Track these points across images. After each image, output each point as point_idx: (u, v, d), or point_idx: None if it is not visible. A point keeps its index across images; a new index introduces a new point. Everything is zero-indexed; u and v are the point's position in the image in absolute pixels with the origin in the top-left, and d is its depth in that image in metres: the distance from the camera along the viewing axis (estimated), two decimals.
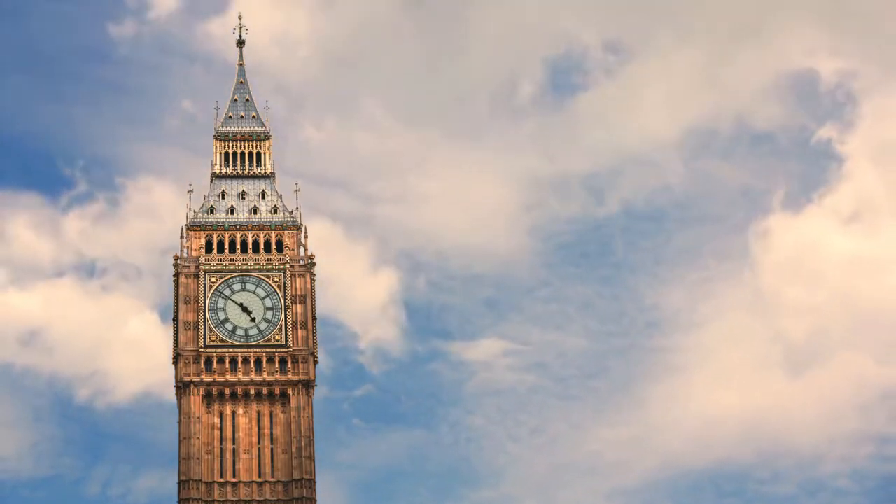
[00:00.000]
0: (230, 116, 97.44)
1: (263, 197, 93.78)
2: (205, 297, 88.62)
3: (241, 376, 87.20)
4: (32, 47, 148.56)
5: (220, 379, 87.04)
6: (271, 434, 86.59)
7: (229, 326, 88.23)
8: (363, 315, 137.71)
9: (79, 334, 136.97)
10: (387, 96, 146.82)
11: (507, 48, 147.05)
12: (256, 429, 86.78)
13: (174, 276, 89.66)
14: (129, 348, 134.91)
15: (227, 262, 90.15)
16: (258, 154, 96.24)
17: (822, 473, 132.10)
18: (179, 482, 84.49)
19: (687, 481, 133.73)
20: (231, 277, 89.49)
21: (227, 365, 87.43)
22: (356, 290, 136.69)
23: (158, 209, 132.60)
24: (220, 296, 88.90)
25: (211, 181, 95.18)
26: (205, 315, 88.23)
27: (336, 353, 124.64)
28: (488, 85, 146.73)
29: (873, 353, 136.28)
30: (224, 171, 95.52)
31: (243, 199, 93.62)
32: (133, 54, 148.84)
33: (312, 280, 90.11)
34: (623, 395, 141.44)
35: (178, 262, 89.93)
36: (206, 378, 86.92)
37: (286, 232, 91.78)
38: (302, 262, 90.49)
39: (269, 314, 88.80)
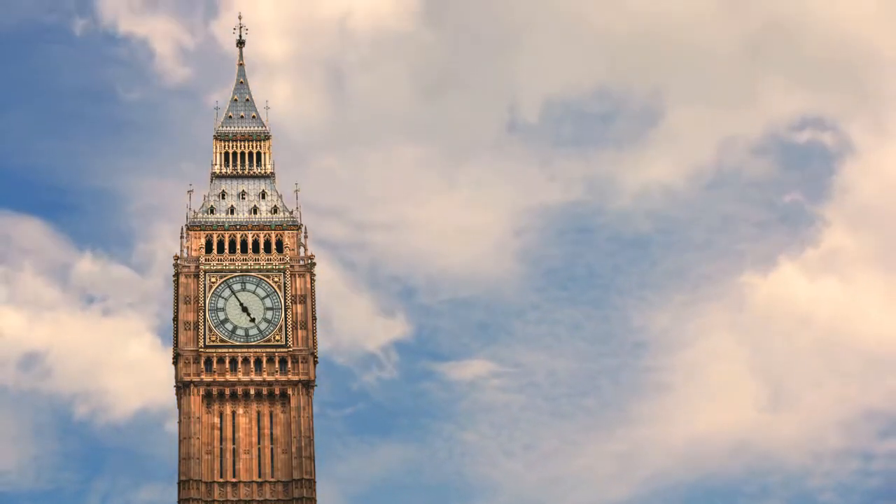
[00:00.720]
0: (230, 116, 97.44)
1: (263, 197, 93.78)
2: (205, 297, 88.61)
3: (241, 376, 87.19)
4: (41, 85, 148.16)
5: (220, 379, 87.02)
6: (271, 434, 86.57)
7: (229, 326, 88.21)
8: (355, 337, 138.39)
9: (78, 356, 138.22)
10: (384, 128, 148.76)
11: (504, 84, 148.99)
12: (256, 429, 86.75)
13: (174, 276, 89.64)
14: (128, 368, 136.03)
15: (227, 262, 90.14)
16: (258, 154, 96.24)
17: (809, 487, 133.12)
18: (179, 482, 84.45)
19: (677, 495, 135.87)
20: (231, 277, 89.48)
21: (227, 365, 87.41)
22: (349, 315, 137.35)
23: (159, 237, 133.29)
24: (219, 296, 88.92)
25: (211, 181, 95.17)
26: (205, 315, 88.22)
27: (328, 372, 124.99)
28: (483, 114, 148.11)
29: (857, 372, 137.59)
30: (224, 171, 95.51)
31: (243, 199, 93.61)
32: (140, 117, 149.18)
33: (312, 280, 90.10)
34: (613, 412, 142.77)
35: (178, 262, 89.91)
36: (206, 378, 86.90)
37: (286, 232, 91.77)
38: (302, 262, 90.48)
39: (269, 314, 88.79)
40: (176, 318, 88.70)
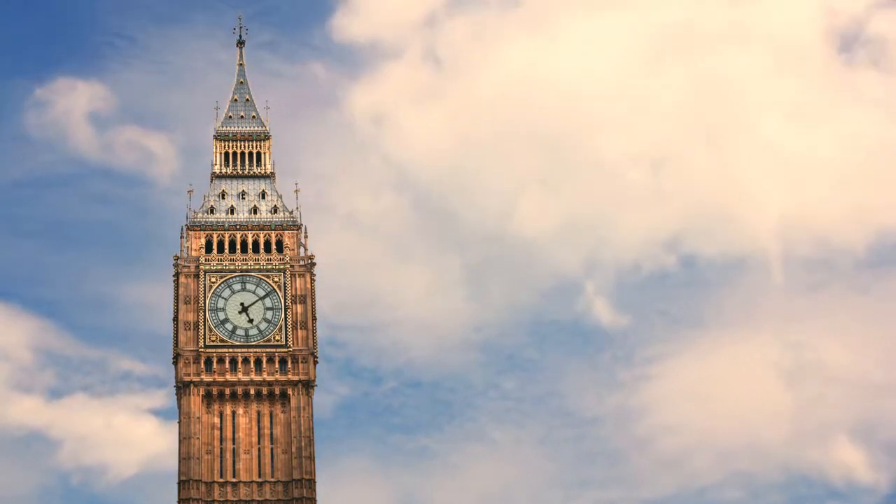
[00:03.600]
0: (230, 116, 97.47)
1: (263, 197, 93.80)
2: (205, 297, 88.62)
3: (241, 376, 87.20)
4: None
5: (220, 379, 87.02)
6: (271, 434, 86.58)
7: (229, 326, 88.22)
8: None
9: (82, 434, 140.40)
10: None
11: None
12: (256, 429, 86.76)
13: (174, 275, 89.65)
14: (129, 445, 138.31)
15: (227, 262, 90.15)
16: (258, 154, 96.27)
17: None
18: (179, 482, 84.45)
19: None
20: (231, 277, 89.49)
21: (227, 365, 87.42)
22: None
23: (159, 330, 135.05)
24: (219, 296, 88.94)
25: (211, 181, 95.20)
26: (205, 315, 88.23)
27: None
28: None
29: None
30: (224, 171, 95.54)
31: (243, 198, 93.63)
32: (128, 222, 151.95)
33: (312, 280, 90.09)
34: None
35: (178, 261, 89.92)
36: (206, 378, 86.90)
37: (286, 232, 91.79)
38: (302, 262, 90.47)
39: (269, 314, 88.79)
40: (176, 318, 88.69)
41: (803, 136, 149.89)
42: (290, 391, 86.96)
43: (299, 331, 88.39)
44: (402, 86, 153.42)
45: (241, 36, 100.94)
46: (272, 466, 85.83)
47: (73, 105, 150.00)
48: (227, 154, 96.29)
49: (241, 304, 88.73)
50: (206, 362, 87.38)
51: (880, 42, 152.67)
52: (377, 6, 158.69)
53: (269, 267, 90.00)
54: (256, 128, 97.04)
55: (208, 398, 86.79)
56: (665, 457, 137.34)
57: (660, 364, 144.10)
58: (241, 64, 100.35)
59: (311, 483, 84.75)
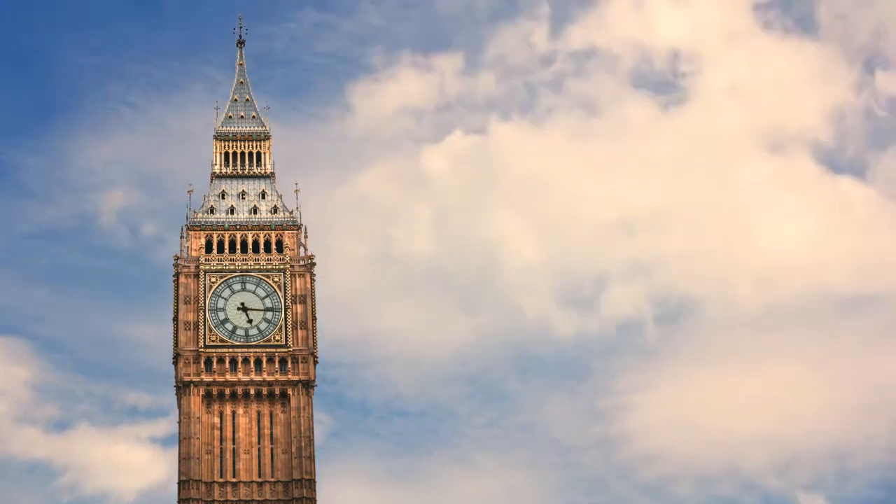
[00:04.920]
0: (230, 116, 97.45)
1: (263, 197, 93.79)
2: (205, 297, 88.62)
3: (241, 376, 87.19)
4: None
5: (220, 379, 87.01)
6: (271, 434, 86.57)
7: (229, 326, 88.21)
8: None
9: (83, 463, 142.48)
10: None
11: None
12: (256, 429, 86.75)
13: (174, 275, 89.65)
14: (128, 472, 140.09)
15: (227, 262, 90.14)
16: (258, 154, 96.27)
17: None
18: (179, 482, 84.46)
19: None
20: (231, 277, 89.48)
21: (227, 365, 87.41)
22: None
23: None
24: (219, 296, 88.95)
25: (211, 181, 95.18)
26: (205, 315, 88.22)
27: None
28: None
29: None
30: (224, 171, 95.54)
31: (243, 199, 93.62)
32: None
33: (312, 280, 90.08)
34: None
35: (178, 261, 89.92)
36: (206, 378, 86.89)
37: (286, 232, 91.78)
38: (302, 262, 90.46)
39: (268, 314, 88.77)
40: (176, 318, 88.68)
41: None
42: (290, 391, 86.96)
43: (299, 331, 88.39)
44: None
45: (241, 36, 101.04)
46: (272, 466, 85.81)
47: (77, 164, 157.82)
48: (227, 154, 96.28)
49: (241, 303, 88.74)
50: (206, 362, 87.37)
51: None
52: None
53: (269, 267, 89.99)
54: (256, 128, 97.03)
55: (208, 398, 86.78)
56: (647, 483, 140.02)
57: (640, 394, 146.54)
58: (241, 64, 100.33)
59: (311, 483, 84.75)
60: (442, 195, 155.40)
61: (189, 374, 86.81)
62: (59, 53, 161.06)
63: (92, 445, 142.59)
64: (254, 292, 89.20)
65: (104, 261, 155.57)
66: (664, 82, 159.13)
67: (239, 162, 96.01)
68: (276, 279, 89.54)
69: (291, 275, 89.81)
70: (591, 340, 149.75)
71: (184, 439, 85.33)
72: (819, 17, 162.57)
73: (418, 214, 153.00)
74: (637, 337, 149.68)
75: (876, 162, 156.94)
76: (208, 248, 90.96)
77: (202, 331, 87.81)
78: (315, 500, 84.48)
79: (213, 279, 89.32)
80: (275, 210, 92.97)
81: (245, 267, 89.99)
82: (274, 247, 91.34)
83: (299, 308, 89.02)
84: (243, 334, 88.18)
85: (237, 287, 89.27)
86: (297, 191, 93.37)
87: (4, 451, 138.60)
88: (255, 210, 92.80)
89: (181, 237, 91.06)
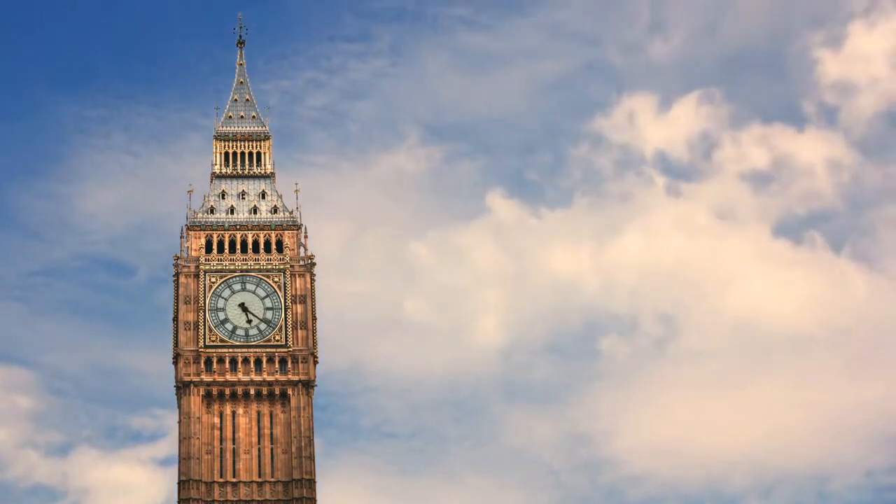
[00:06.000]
0: (230, 116, 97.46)
1: (263, 197, 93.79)
2: (205, 297, 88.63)
3: (241, 376, 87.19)
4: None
5: (220, 379, 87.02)
6: (271, 434, 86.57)
7: (229, 326, 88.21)
8: None
9: (86, 486, 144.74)
10: None
11: None
12: (256, 429, 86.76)
13: (174, 275, 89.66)
14: (128, 493, 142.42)
15: (227, 262, 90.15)
16: (258, 154, 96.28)
17: None
18: (179, 482, 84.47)
19: None
20: (231, 277, 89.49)
21: (227, 365, 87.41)
22: None
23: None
24: (219, 296, 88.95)
25: (211, 181, 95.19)
26: (205, 315, 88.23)
27: None
28: None
29: None
30: (224, 171, 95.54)
31: (243, 198, 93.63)
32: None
33: (312, 280, 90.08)
34: None
35: (178, 261, 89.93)
36: (206, 378, 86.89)
37: (286, 232, 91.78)
38: (302, 262, 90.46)
39: (269, 314, 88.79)
40: (176, 318, 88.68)
41: None
42: (290, 391, 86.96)
43: (299, 331, 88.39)
44: None
45: (241, 36, 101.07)
46: (272, 466, 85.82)
47: (80, 209, 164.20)
48: (227, 154, 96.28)
49: (241, 303, 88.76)
50: (206, 362, 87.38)
51: None
52: None
53: (269, 267, 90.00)
54: (256, 128, 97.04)
55: (208, 398, 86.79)
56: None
57: (623, 418, 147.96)
58: (241, 64, 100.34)
59: (311, 483, 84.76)
60: None
61: (189, 374, 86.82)
62: (63, 106, 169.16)
63: (92, 468, 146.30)
64: (254, 292, 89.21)
65: (106, 296, 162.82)
66: None
67: (239, 162, 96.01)
68: (276, 279, 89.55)
69: (291, 275, 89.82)
70: (573, 365, 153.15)
71: (184, 439, 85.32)
72: None
73: None
74: (619, 362, 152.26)
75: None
76: (208, 248, 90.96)
77: (202, 331, 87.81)
78: (315, 500, 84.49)
79: (213, 279, 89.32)
80: (275, 210, 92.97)
81: (245, 267, 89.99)
82: (274, 247, 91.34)
83: (299, 308, 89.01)
84: (243, 334, 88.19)
85: (237, 287, 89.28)
86: (297, 191, 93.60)
87: (5, 476, 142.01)
88: (255, 210, 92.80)
89: (181, 237, 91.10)
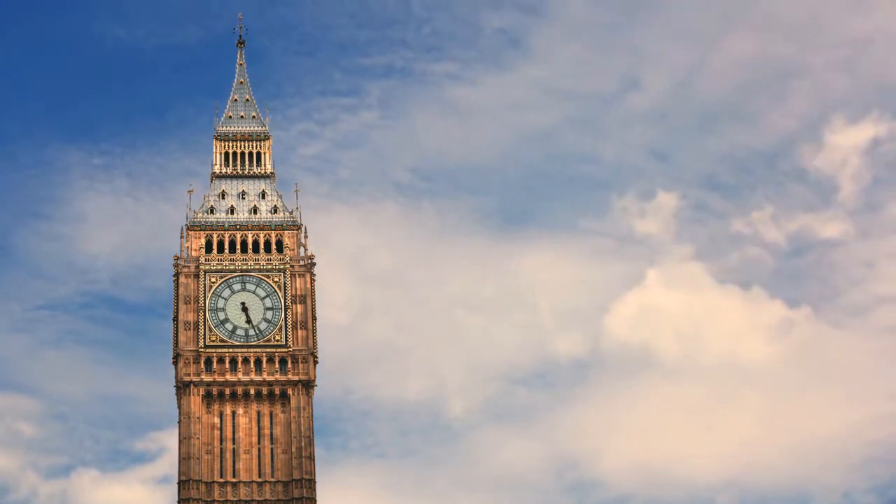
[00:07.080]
0: (230, 116, 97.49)
1: (263, 197, 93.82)
2: (205, 297, 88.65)
3: (241, 376, 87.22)
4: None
5: (220, 379, 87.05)
6: (271, 434, 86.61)
7: (229, 326, 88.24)
8: None
9: None
10: None
11: None
12: (256, 429, 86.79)
13: (174, 275, 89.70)
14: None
15: (227, 262, 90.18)
16: (258, 154, 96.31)
17: None
18: (179, 482, 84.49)
19: None
20: (231, 277, 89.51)
21: (227, 365, 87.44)
22: None
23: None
24: (219, 296, 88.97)
25: (211, 181, 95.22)
26: (205, 315, 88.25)
27: None
28: None
29: None
30: (224, 171, 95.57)
31: (243, 198, 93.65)
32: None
33: (312, 280, 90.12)
34: None
35: (178, 261, 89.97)
36: (206, 378, 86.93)
37: (286, 232, 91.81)
38: (302, 262, 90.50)
39: (269, 314, 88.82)
40: (176, 318, 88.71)
41: None
42: (290, 391, 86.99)
43: (299, 331, 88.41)
44: None
45: (241, 36, 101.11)
46: (272, 466, 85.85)
47: (86, 248, 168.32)
48: (227, 154, 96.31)
49: (242, 303, 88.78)
50: (206, 362, 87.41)
51: None
52: None
53: (269, 267, 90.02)
54: (256, 128, 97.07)
55: (208, 398, 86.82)
56: None
57: (609, 439, 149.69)
58: (241, 64, 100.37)
59: (311, 483, 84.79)
60: None
61: (189, 374, 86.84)
62: (69, 154, 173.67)
63: (91, 488, 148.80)
64: (254, 292, 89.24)
65: (108, 330, 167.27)
66: None
67: (239, 162, 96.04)
68: (276, 279, 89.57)
69: (291, 275, 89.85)
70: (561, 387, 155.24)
71: (184, 439, 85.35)
72: None
73: None
74: (604, 383, 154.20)
75: None
76: (208, 248, 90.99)
77: (202, 331, 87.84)
78: (315, 500, 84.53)
79: (213, 279, 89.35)
80: (275, 210, 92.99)
81: (245, 267, 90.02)
82: (274, 247, 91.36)
83: (299, 308, 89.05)
84: (243, 334, 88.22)
85: (237, 287, 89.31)
86: (296, 191, 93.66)
87: (8, 500, 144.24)
88: (255, 210, 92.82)
89: (181, 237, 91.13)
